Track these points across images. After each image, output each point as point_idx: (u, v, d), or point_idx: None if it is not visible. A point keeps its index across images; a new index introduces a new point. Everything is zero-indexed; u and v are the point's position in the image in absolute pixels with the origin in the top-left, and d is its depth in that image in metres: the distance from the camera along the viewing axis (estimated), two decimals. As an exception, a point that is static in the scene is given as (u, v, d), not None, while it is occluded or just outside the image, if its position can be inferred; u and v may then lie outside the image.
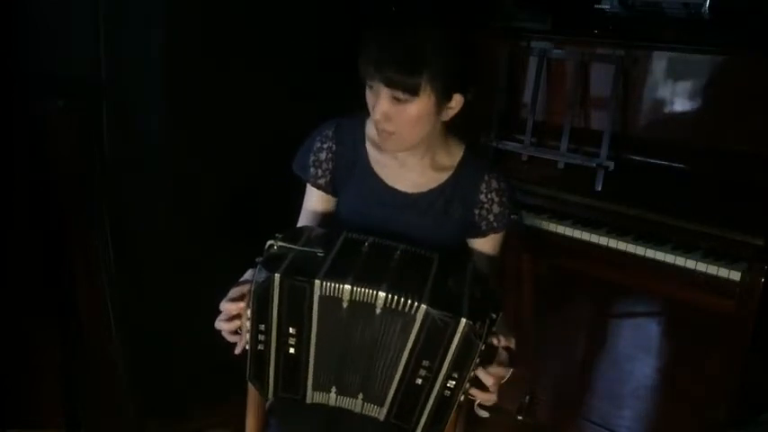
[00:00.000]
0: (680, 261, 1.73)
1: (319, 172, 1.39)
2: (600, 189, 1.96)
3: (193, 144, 2.10)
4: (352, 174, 1.38)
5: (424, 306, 1.09)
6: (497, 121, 2.18)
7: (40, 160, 1.86)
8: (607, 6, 2.03)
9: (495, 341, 1.14)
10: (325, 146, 1.39)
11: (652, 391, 2.01)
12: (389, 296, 1.11)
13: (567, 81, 2.09)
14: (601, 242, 1.86)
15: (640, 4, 2.00)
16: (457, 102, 1.27)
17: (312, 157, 1.40)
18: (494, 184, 1.36)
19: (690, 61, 1.89)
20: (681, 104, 1.92)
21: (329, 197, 1.42)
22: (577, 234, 1.91)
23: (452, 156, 1.37)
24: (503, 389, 1.18)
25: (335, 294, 1.12)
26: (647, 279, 1.81)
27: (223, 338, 1.21)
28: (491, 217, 1.36)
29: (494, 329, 1.12)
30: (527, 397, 2.20)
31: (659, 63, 1.93)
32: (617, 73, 1.96)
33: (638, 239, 1.81)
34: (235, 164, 2.14)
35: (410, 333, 1.11)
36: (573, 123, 2.05)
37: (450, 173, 1.36)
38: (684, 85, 1.90)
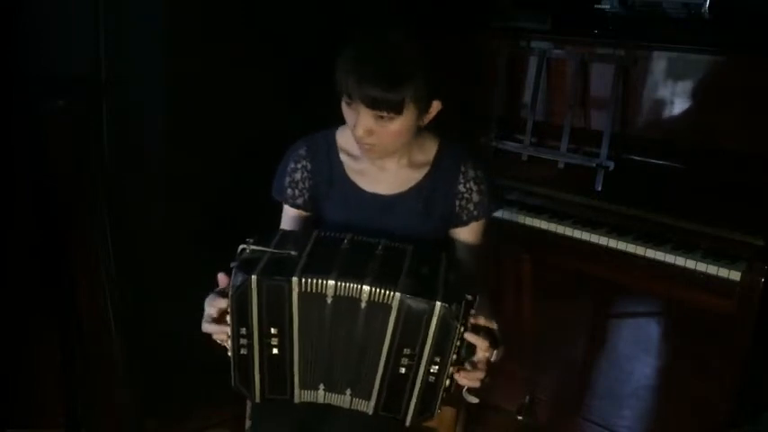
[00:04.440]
0: (680, 261, 1.73)
1: (296, 192, 1.40)
2: (600, 189, 1.96)
3: (193, 144, 2.10)
4: (330, 187, 1.38)
5: (398, 294, 1.10)
6: (497, 121, 2.18)
7: (40, 160, 1.86)
8: (607, 6, 2.03)
9: (475, 322, 1.14)
10: (299, 165, 1.39)
11: (652, 391, 2.01)
12: (374, 289, 1.12)
13: (567, 81, 2.09)
14: (601, 242, 1.86)
15: (640, 4, 2.00)
16: (435, 107, 1.28)
17: (288, 179, 1.40)
18: (471, 173, 1.36)
19: (690, 61, 1.89)
20: (681, 104, 1.92)
21: (307, 215, 1.43)
22: (577, 234, 1.90)
23: (427, 152, 1.38)
24: (489, 372, 1.18)
25: (319, 290, 1.12)
26: (647, 279, 1.81)
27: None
28: (471, 206, 1.37)
29: (473, 312, 1.12)
30: (527, 397, 2.20)
31: (659, 63, 1.93)
32: (617, 73, 1.96)
33: (638, 239, 1.81)
34: (235, 164, 2.14)
35: (388, 322, 1.12)
36: (573, 123, 2.05)
37: (426, 169, 1.37)
38: (684, 85, 1.90)
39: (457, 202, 1.36)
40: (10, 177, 1.86)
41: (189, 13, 2.03)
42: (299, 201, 1.41)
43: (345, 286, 1.12)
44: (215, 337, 1.20)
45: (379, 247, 1.19)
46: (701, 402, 1.83)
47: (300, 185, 1.39)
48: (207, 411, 2.12)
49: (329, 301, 1.13)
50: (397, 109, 1.19)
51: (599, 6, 2.05)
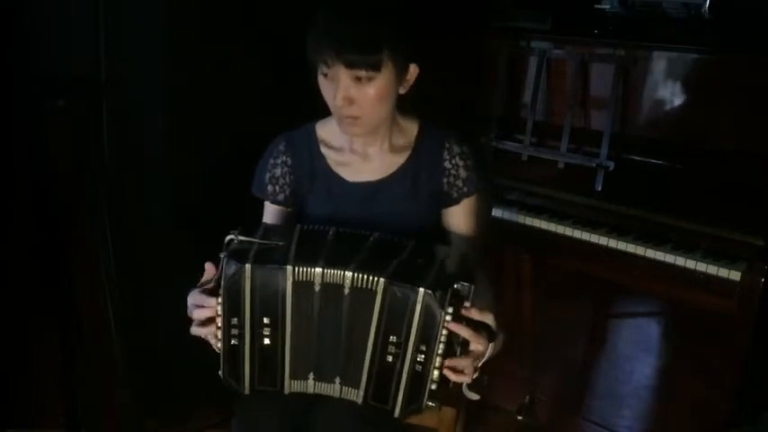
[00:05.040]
0: (680, 261, 1.73)
1: (277, 188, 1.39)
2: (600, 189, 1.96)
3: (193, 144, 2.10)
4: (313, 181, 1.37)
5: (382, 280, 1.11)
6: (497, 121, 2.18)
7: (40, 160, 1.86)
8: (607, 6, 2.03)
9: (466, 314, 1.12)
10: (279, 161, 1.38)
11: (652, 391, 2.01)
12: (356, 275, 1.12)
13: (567, 81, 2.08)
14: (601, 242, 1.86)
15: (640, 4, 2.00)
16: (412, 73, 1.27)
17: (268, 175, 1.39)
18: (455, 149, 1.35)
19: (690, 61, 1.89)
20: (681, 104, 1.92)
21: (289, 211, 1.41)
22: (577, 234, 1.90)
23: (408, 134, 1.37)
24: (483, 367, 1.17)
25: (308, 279, 1.13)
26: (647, 279, 1.81)
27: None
28: (460, 182, 1.35)
29: (467, 304, 1.12)
30: (527, 397, 2.20)
31: (659, 63, 1.93)
32: (617, 73, 1.96)
33: (638, 239, 1.81)
34: (235, 164, 2.13)
35: (373, 309, 1.12)
36: (573, 123, 2.05)
37: (409, 151, 1.36)
38: (684, 85, 1.90)
39: (445, 180, 1.35)
40: (10, 177, 1.86)
41: (189, 14, 2.03)
42: (280, 197, 1.39)
43: (331, 273, 1.13)
44: (199, 331, 1.18)
45: (371, 239, 1.19)
46: (700, 402, 1.83)
47: (281, 181, 1.38)
48: (207, 411, 2.12)
49: (317, 288, 1.13)
50: (375, 66, 1.18)
51: (599, 6, 2.05)
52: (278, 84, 2.21)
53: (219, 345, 1.16)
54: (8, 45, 1.78)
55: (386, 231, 1.22)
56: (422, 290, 1.09)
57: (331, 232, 1.20)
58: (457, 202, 1.37)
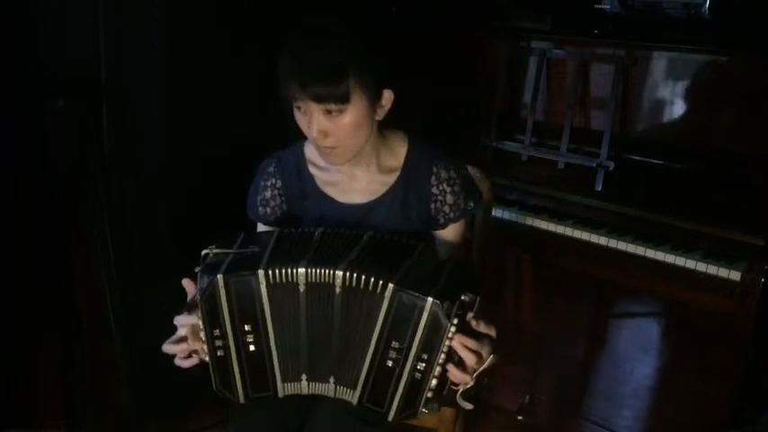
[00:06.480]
0: (680, 261, 1.73)
1: (269, 210, 1.39)
2: (600, 189, 1.96)
3: (193, 144, 2.10)
4: (303, 202, 1.37)
5: (391, 285, 1.10)
6: (497, 121, 2.18)
7: (40, 160, 1.86)
8: (607, 6, 2.03)
9: (473, 324, 1.12)
10: (269, 183, 1.38)
11: (652, 391, 2.01)
12: (348, 274, 1.11)
13: (567, 81, 2.09)
14: (601, 242, 1.86)
15: (640, 4, 2.00)
16: (387, 98, 1.26)
17: (259, 197, 1.39)
18: (443, 174, 1.33)
19: (690, 61, 1.89)
20: (681, 104, 1.92)
21: None
22: (577, 234, 1.90)
23: (397, 154, 1.35)
24: (479, 374, 1.15)
25: (289, 280, 1.13)
26: (647, 279, 1.81)
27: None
28: (446, 208, 1.34)
29: (471, 315, 1.11)
30: (527, 397, 2.20)
31: (659, 63, 1.93)
32: (617, 73, 1.96)
33: (638, 239, 1.81)
34: (235, 164, 2.13)
35: (379, 314, 1.12)
36: (573, 123, 2.05)
37: (398, 173, 1.34)
38: (684, 85, 1.90)
39: (432, 205, 1.34)
40: (10, 177, 1.86)
41: (188, 14, 2.03)
42: (272, 218, 1.39)
43: (317, 273, 1.12)
44: (182, 353, 1.19)
45: (364, 238, 1.18)
46: (700, 402, 1.83)
47: (272, 203, 1.39)
48: (207, 411, 2.12)
49: (302, 289, 1.13)
50: (343, 98, 1.17)
51: (599, 6, 2.05)
52: (278, 84, 2.20)
53: (207, 358, 1.17)
54: (8, 45, 1.78)
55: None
56: (430, 299, 1.08)
57: (317, 233, 1.20)
58: (443, 227, 1.36)
